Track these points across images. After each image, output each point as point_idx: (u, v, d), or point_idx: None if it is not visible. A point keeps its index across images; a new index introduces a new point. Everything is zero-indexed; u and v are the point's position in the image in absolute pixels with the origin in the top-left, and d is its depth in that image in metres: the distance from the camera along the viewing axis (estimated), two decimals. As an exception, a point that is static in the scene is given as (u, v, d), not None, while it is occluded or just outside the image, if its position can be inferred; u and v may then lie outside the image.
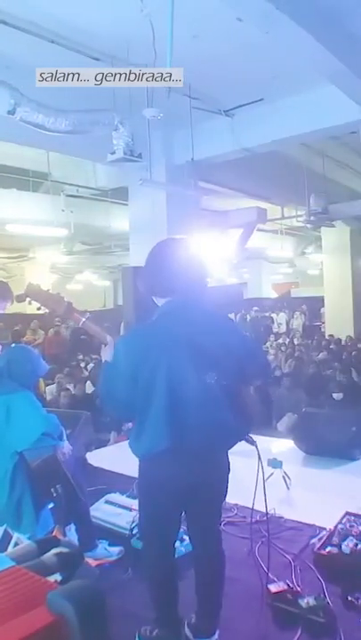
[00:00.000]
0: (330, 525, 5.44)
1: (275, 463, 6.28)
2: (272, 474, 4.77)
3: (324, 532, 5.38)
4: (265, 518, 5.45)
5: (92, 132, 8.40)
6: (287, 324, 30.17)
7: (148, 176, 9.99)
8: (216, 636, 3.88)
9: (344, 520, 5.48)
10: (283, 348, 20.37)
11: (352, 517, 5.53)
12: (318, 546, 5.12)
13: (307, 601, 4.26)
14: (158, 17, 6.48)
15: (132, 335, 3.85)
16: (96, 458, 8.01)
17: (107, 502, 6.14)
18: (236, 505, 6.00)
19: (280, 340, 23.37)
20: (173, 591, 3.86)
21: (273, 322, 30.07)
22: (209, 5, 6.93)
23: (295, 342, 22.84)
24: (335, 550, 5.00)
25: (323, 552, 5.03)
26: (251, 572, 4.91)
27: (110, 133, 8.32)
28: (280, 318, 30.42)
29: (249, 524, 5.61)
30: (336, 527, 5.35)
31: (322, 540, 5.19)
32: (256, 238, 20.07)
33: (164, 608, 3.86)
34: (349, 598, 4.36)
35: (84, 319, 4.04)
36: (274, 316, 30.36)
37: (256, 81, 9.62)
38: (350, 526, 5.35)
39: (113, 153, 8.36)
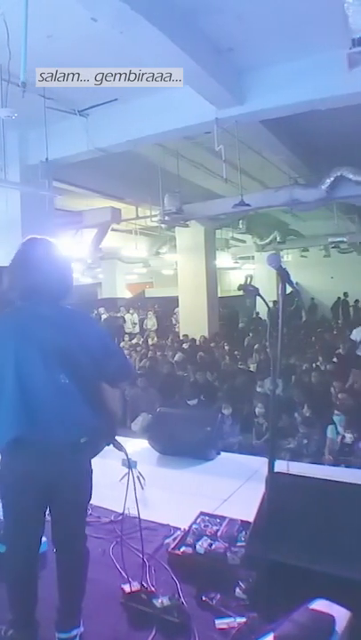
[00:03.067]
0: (184, 525, 5.47)
1: (129, 463, 6.29)
2: (126, 474, 4.75)
3: (178, 532, 5.41)
4: (119, 518, 5.48)
5: None
6: (141, 323, 30.18)
7: (3, 176, 9.86)
8: (78, 630, 3.90)
9: (198, 520, 5.52)
10: (138, 349, 20.41)
11: (206, 517, 5.58)
12: (173, 546, 5.15)
13: (161, 601, 4.28)
14: (12, 16, 6.39)
15: None
16: None
17: None
18: (91, 505, 5.97)
19: (134, 341, 23.40)
20: (32, 593, 3.83)
21: (125, 321, 30.06)
22: (63, 5, 6.89)
23: (149, 342, 22.91)
24: (189, 550, 5.04)
25: (177, 552, 5.05)
26: (106, 573, 4.90)
27: None
28: (133, 318, 30.46)
29: (104, 524, 5.62)
30: (190, 527, 5.39)
31: (176, 540, 5.22)
32: (110, 238, 20.07)
33: (21, 610, 3.82)
34: (204, 598, 4.39)
35: None
36: (128, 316, 30.38)
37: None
38: (205, 526, 5.39)
39: (-34, 153, 8.21)
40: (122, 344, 22.05)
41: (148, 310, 31.62)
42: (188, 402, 12.44)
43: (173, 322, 27.85)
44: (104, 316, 28.46)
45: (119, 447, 3.99)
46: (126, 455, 4.15)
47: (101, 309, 29.71)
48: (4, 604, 3.87)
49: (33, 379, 3.54)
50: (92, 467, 3.91)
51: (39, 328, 3.61)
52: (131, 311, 30.52)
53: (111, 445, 3.98)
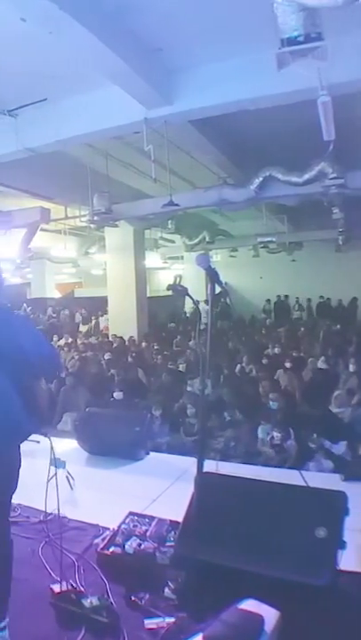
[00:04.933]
0: (113, 525, 5.47)
1: (58, 463, 6.25)
2: (55, 474, 4.75)
3: (107, 532, 5.42)
4: (49, 518, 5.45)
5: None
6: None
7: None
8: (6, 621, 3.90)
9: (128, 520, 5.52)
10: (66, 348, 20.32)
11: (135, 517, 5.58)
12: (102, 546, 5.15)
13: (90, 601, 4.29)
14: None
15: None
16: None
17: None
18: (20, 505, 5.95)
19: (62, 341, 23.27)
20: None
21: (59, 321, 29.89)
22: (-8, 5, 6.82)
23: (78, 341, 22.81)
24: (119, 550, 5.05)
25: (106, 552, 5.06)
26: (35, 573, 4.90)
27: None
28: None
29: (33, 524, 5.60)
30: (120, 527, 5.39)
31: (105, 540, 5.22)
32: (39, 238, 19.94)
33: None
34: (133, 598, 4.41)
35: None
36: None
37: (40, 81, 9.52)
38: (134, 526, 5.40)
39: None
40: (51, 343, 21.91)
41: (76, 310, 31.51)
42: (115, 395, 12.44)
43: (100, 322, 27.78)
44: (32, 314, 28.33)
45: (44, 434, 4.00)
46: (54, 455, 4.15)
47: (28, 308, 29.53)
48: None
49: None
50: (22, 467, 3.90)
51: None
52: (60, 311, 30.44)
53: (38, 440, 3.99)
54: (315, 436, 9.10)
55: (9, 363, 3.65)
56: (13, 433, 3.76)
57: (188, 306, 25.87)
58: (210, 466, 5.40)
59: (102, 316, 27.57)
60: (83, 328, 28.66)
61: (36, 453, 4.31)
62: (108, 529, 5.49)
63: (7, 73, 9.03)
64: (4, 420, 3.62)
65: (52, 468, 4.58)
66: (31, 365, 3.82)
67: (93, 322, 29.40)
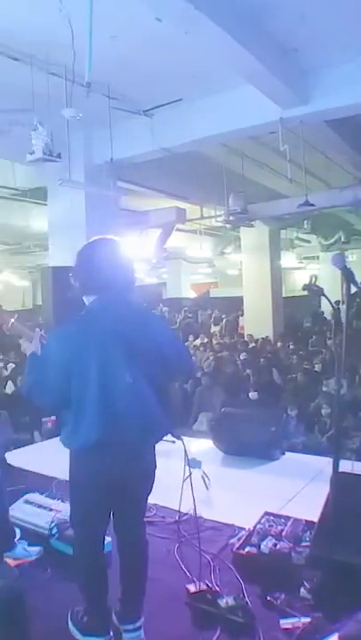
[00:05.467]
0: (249, 525, 5.45)
1: (193, 463, 6.28)
2: (190, 474, 4.77)
3: (243, 532, 5.39)
4: (184, 518, 5.48)
5: (11, 131, 8.31)
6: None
7: (68, 176, 9.90)
8: (141, 621, 3.95)
9: (263, 520, 5.50)
10: (201, 348, 20.42)
11: (271, 517, 5.55)
12: (237, 546, 5.13)
13: (226, 601, 4.28)
14: (77, 17, 6.42)
15: (64, 332, 3.86)
16: (15, 458, 7.90)
17: (26, 502, 6.07)
18: (155, 505, 5.99)
19: (198, 341, 23.38)
20: (103, 582, 3.94)
21: (197, 321, 30.08)
22: (128, 6, 6.89)
23: (214, 342, 22.89)
24: (254, 550, 5.02)
25: (242, 552, 5.04)
26: (170, 573, 4.92)
27: (29, 133, 8.21)
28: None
29: (168, 524, 5.63)
30: (255, 527, 5.36)
31: (241, 540, 5.20)
32: (175, 238, 20.06)
33: (93, 599, 3.94)
34: (268, 598, 4.37)
35: (12, 320, 4.06)
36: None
37: (175, 81, 9.60)
38: (269, 526, 5.37)
39: (32, 153, 8.24)
40: (186, 344, 22.06)
41: (213, 310, 31.61)
42: (250, 395, 12.44)
43: (240, 322, 27.72)
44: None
45: (177, 436, 4.03)
46: (186, 455, 4.17)
47: (165, 309, 29.80)
48: (77, 596, 3.97)
49: (114, 382, 3.61)
50: (158, 467, 3.95)
51: (117, 328, 3.68)
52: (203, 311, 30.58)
53: (173, 440, 4.03)
54: None
55: (145, 363, 3.70)
56: (149, 434, 3.81)
57: (324, 306, 25.57)
58: (345, 466, 5.32)
59: (242, 315, 27.60)
60: (215, 328, 28.68)
61: (171, 453, 4.34)
62: (244, 529, 5.47)
63: (142, 73, 9.12)
64: (141, 421, 3.67)
65: (188, 467, 4.60)
66: (167, 366, 3.87)
67: (224, 321, 29.42)
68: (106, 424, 3.57)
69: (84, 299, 3.87)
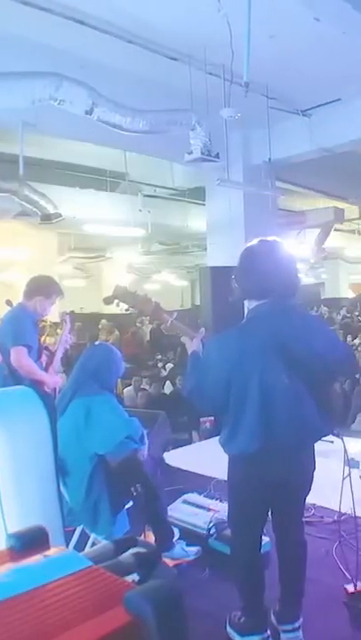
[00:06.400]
0: None
1: (352, 463, 6.22)
2: (350, 473, 4.72)
3: None
4: (343, 518, 5.43)
5: (170, 131, 8.39)
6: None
7: (226, 176, 9.97)
8: (300, 622, 3.95)
9: None
10: (360, 348, 20.18)
11: None
12: None
13: (383, 601, 4.23)
14: (235, 17, 6.44)
15: (225, 338, 3.86)
16: (173, 458, 8.02)
17: (184, 502, 6.12)
18: (314, 505, 5.97)
19: (356, 340, 23.10)
20: (260, 581, 3.98)
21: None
22: (286, 5, 6.88)
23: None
24: None
25: None
26: (329, 573, 4.89)
27: (188, 133, 8.29)
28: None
29: (327, 524, 5.60)
30: None
31: None
32: (333, 238, 19.91)
33: (251, 597, 3.97)
34: None
35: (171, 319, 4.12)
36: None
37: (333, 81, 9.51)
38: None
39: (190, 153, 8.32)
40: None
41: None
42: None
43: None
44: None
45: (336, 434, 3.99)
46: (346, 455, 4.13)
47: (324, 308, 29.61)
48: (235, 596, 3.99)
49: (276, 390, 3.61)
50: (316, 468, 3.94)
51: (278, 336, 3.66)
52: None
53: (332, 440, 4.01)
54: None
55: (303, 365, 3.67)
56: (309, 438, 3.82)
57: None
58: None
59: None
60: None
61: (329, 453, 4.31)
62: None
63: (301, 73, 9.07)
64: (300, 427, 3.67)
65: (347, 467, 4.56)
66: (326, 367, 3.84)
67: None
68: (265, 432, 3.58)
69: (246, 302, 3.88)
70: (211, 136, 8.34)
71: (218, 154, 8.45)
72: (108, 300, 4.34)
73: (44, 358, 6.56)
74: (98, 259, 28.29)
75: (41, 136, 11.06)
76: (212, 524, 5.48)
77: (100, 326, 22.10)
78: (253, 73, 6.57)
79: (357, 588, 4.44)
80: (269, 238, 3.91)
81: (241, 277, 3.83)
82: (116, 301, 4.17)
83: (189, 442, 10.52)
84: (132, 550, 3.42)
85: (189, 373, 3.87)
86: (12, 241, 19.69)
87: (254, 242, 3.87)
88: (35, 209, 11.35)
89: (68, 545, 4.23)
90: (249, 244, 3.87)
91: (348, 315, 29.95)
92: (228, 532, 4.55)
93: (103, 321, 22.26)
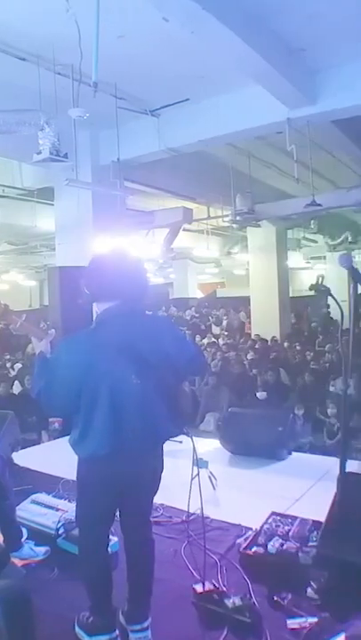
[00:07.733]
0: (256, 525, 5.46)
1: (200, 463, 6.27)
2: (198, 474, 4.77)
3: (250, 532, 5.39)
4: (191, 518, 5.47)
5: (18, 131, 8.29)
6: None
7: (74, 176, 9.91)
8: (148, 621, 3.98)
9: (270, 520, 5.50)
10: (208, 348, 20.43)
11: (278, 517, 5.56)
12: (244, 546, 5.13)
13: (233, 601, 4.27)
14: (84, 17, 6.45)
15: (76, 340, 3.89)
16: (22, 458, 7.94)
17: (33, 502, 6.09)
18: (162, 505, 6.00)
19: (205, 340, 23.39)
20: (108, 581, 4.00)
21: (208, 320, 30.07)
22: (134, 5, 6.91)
23: (220, 342, 22.92)
24: (261, 550, 5.02)
25: (249, 552, 5.04)
26: (177, 573, 4.92)
27: (36, 133, 8.21)
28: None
29: (175, 524, 5.63)
30: (262, 527, 5.37)
31: (248, 540, 5.20)
32: (182, 238, 20.06)
33: (99, 597, 3.98)
34: (275, 598, 4.37)
35: (21, 320, 4.08)
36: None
37: (182, 81, 9.61)
38: (276, 526, 5.37)
39: (39, 153, 8.24)
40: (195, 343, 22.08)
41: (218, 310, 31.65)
42: (258, 395, 12.45)
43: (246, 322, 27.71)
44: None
45: (186, 433, 4.05)
46: (195, 455, 4.18)
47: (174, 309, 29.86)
48: (83, 596, 3.99)
49: (126, 393, 3.66)
50: (165, 467, 3.98)
51: (128, 338, 3.72)
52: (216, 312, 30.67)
53: (181, 440, 4.06)
54: None
55: (153, 366, 3.74)
56: (158, 439, 3.87)
57: (332, 306, 25.55)
58: (352, 466, 5.34)
59: (240, 312, 27.66)
60: (215, 330, 28.60)
61: (178, 453, 4.35)
62: (251, 529, 5.48)
63: (149, 73, 9.16)
64: (150, 428, 3.72)
65: (195, 467, 4.60)
66: (176, 368, 3.89)
67: (225, 322, 29.45)
68: (115, 434, 3.62)
69: (95, 305, 3.89)
70: (59, 136, 8.28)
71: (66, 154, 8.40)
72: None
73: None
74: None
75: None
76: (60, 524, 5.50)
77: None
78: (102, 73, 6.54)
79: (206, 587, 4.48)
80: (117, 241, 3.95)
81: (89, 280, 3.84)
82: None
83: (38, 442, 10.46)
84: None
85: (38, 374, 3.85)
86: None
87: (103, 247, 3.91)
88: None
89: None
90: (99, 252, 3.89)
91: (197, 315, 30.31)
92: (76, 531, 4.52)
93: None
